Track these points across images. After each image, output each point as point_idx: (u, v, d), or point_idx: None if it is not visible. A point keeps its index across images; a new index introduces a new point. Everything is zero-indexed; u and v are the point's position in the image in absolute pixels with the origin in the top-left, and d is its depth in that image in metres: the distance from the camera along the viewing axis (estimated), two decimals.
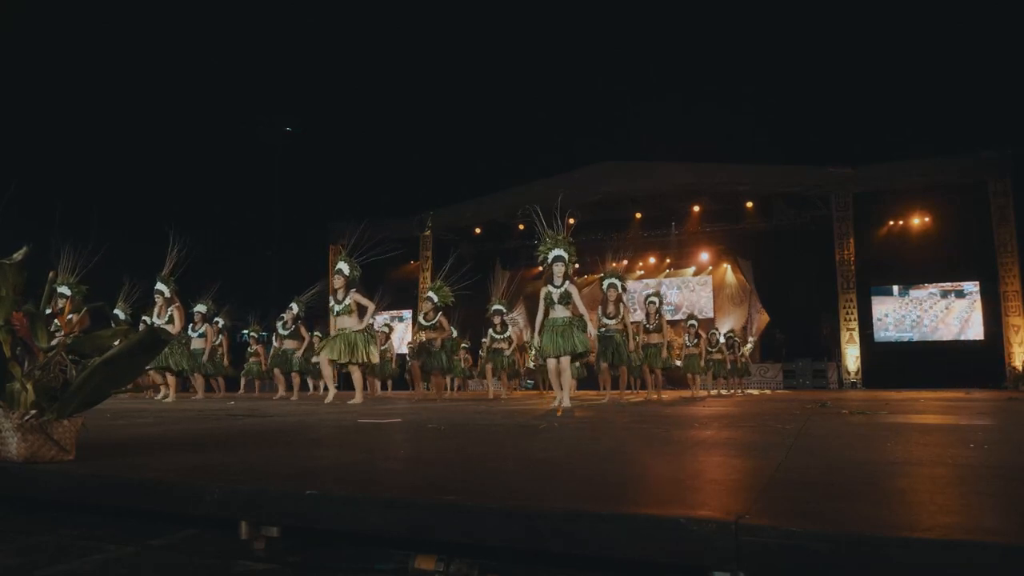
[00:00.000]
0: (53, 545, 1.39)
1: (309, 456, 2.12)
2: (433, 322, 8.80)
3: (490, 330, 11.13)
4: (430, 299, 8.82)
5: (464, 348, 13.48)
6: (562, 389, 5.92)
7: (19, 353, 1.81)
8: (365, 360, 7.05)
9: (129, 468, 1.75)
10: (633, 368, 8.56)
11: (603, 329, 7.70)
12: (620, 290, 7.88)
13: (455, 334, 12.79)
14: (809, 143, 16.59)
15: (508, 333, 11.08)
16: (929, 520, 1.08)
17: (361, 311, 7.25)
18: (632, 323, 8.52)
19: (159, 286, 8.23)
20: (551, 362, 6.08)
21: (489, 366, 10.95)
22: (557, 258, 6.12)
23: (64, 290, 7.09)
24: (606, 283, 7.86)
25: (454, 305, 13.69)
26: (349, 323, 7.08)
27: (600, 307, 7.85)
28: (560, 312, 6.03)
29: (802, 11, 17.28)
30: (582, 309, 6.15)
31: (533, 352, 12.97)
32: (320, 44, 19.87)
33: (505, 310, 11.28)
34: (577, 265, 7.50)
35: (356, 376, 7.19)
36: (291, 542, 1.35)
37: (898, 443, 2.44)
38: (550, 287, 6.11)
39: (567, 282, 6.10)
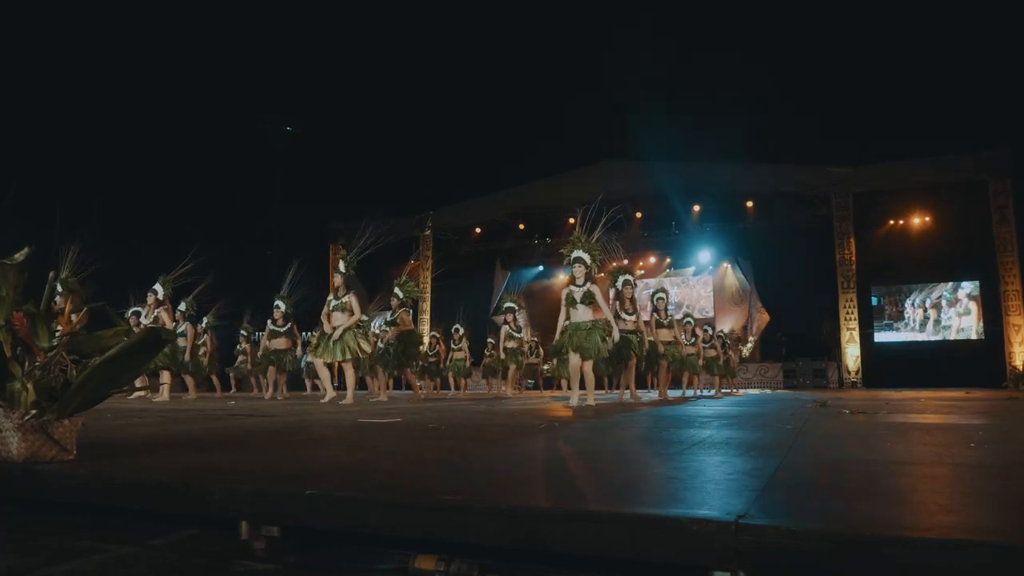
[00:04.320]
0: (53, 545, 1.39)
1: (309, 456, 2.12)
2: (393, 317, 8.66)
3: (504, 327, 10.97)
4: (395, 295, 8.63)
5: (435, 336, 13.42)
6: (583, 388, 5.98)
7: (19, 353, 1.81)
8: (356, 355, 7.11)
9: (129, 468, 1.75)
10: (651, 365, 8.40)
11: (620, 326, 7.52)
12: (634, 287, 7.74)
13: (439, 334, 12.80)
14: (809, 143, 16.57)
15: (523, 333, 10.96)
16: (929, 520, 1.08)
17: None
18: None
19: (156, 287, 8.39)
20: (574, 359, 6.07)
21: (512, 366, 10.83)
22: (577, 259, 6.17)
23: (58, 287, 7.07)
24: (620, 279, 7.67)
25: (455, 304, 13.65)
26: (341, 319, 7.18)
27: (615, 303, 7.59)
28: (583, 314, 6.02)
29: (803, 11, 17.28)
30: (606, 310, 6.16)
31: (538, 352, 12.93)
32: (321, 44, 19.87)
33: (517, 308, 11.10)
34: (625, 261, 7.47)
35: (348, 375, 7.24)
36: (291, 542, 1.35)
37: (898, 443, 2.44)
38: (572, 287, 6.15)
39: (589, 282, 6.12)
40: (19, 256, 1.91)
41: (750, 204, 17.98)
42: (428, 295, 19.97)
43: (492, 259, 20.68)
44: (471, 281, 19.65)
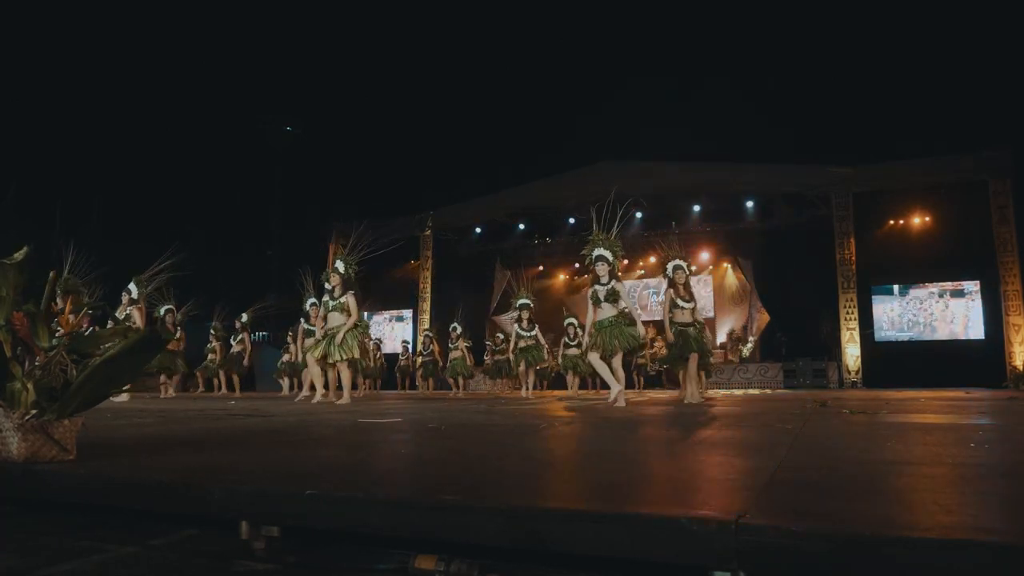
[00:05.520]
0: (53, 545, 1.39)
1: (309, 456, 2.12)
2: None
3: (515, 326, 10.75)
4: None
5: (428, 336, 13.24)
6: (618, 384, 5.96)
7: (19, 353, 1.81)
8: (350, 356, 7.07)
9: (129, 468, 1.75)
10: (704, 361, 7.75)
11: (673, 317, 7.04)
12: (687, 272, 7.35)
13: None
14: (809, 143, 16.60)
15: (535, 331, 10.67)
16: (929, 520, 1.08)
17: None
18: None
19: (130, 286, 8.34)
20: (600, 359, 6.06)
21: (522, 365, 10.62)
22: (599, 258, 6.18)
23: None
24: (671, 266, 7.24)
25: (455, 304, 13.55)
26: (339, 320, 7.16)
27: (669, 291, 7.20)
28: (607, 311, 6.03)
29: (803, 11, 17.29)
30: (627, 307, 6.15)
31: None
32: (321, 44, 19.89)
33: (531, 304, 10.77)
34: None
35: (344, 375, 7.20)
36: (291, 542, 1.35)
37: (898, 443, 2.44)
38: (596, 286, 6.16)
39: (613, 280, 6.13)
40: (19, 256, 1.91)
41: (750, 204, 17.98)
42: (428, 295, 19.97)
43: (492, 259, 20.68)
44: (471, 281, 19.64)
